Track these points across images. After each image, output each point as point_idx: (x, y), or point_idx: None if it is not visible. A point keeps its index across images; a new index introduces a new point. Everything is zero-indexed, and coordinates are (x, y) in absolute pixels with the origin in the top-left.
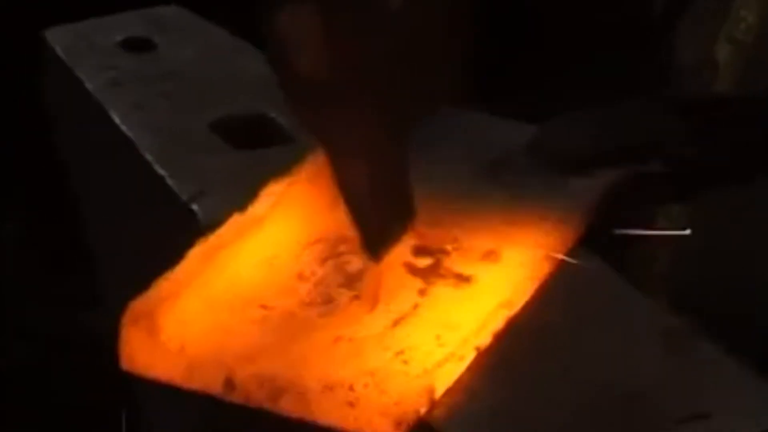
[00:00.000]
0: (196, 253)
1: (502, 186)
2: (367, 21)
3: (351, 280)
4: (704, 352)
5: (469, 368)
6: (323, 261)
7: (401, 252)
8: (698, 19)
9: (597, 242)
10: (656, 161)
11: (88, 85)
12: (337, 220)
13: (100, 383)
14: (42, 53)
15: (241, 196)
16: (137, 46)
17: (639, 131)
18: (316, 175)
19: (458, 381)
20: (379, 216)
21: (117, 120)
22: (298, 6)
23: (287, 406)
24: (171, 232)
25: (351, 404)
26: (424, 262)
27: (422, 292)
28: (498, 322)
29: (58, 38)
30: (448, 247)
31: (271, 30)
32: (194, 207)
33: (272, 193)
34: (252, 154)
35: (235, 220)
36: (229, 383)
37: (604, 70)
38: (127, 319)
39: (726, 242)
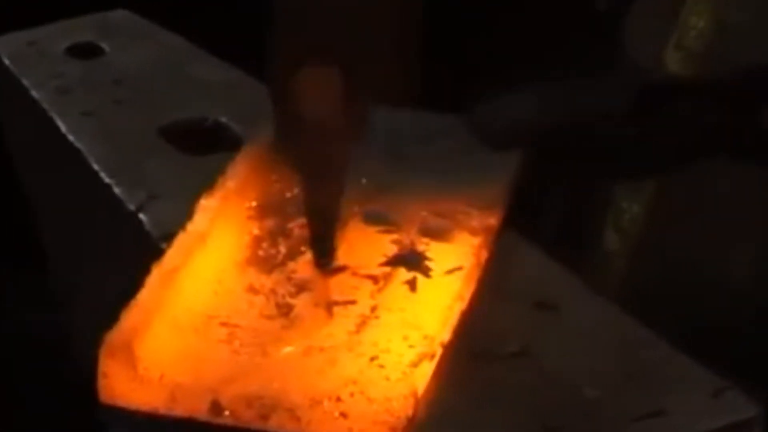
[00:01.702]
0: (154, 279)
1: (427, 173)
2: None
3: (301, 289)
4: (657, 350)
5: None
6: (269, 271)
7: (346, 251)
8: (648, 27)
9: (544, 237)
10: (594, 137)
11: (35, 94)
12: (272, 229)
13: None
14: None
15: (191, 203)
16: (85, 52)
17: (578, 108)
18: (244, 184)
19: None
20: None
21: (63, 129)
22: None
23: (278, 424)
24: (120, 240)
25: (343, 415)
26: (371, 265)
27: (375, 294)
28: (454, 317)
29: (5, 46)
30: (390, 244)
31: (285, 82)
32: (141, 216)
33: (208, 208)
34: (202, 159)
35: (181, 240)
36: (216, 406)
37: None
38: (103, 353)
39: (683, 242)
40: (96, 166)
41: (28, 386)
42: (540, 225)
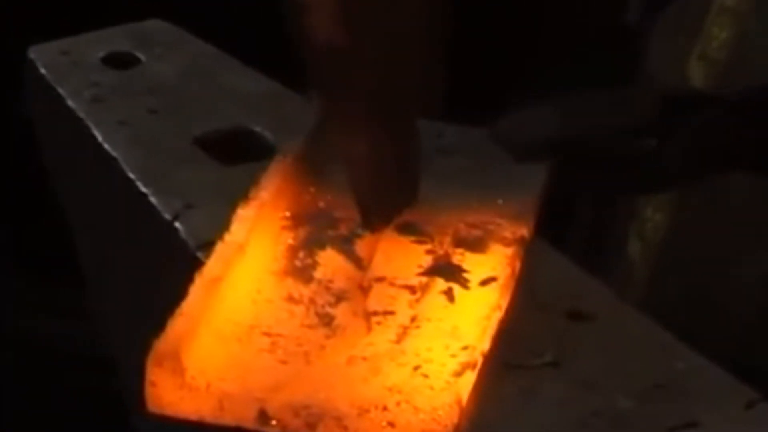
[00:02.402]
0: (198, 288)
1: (456, 185)
2: None
3: (339, 298)
4: (690, 361)
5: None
6: (307, 281)
7: (383, 261)
8: (671, 36)
9: (573, 248)
10: (616, 150)
11: (71, 103)
12: (307, 238)
13: (84, 392)
14: (26, 71)
15: (226, 212)
16: (121, 61)
17: (600, 120)
18: (278, 194)
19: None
20: (379, 188)
21: (100, 137)
22: None
23: None
24: (155, 249)
25: (391, 424)
26: (408, 275)
27: (414, 304)
28: (493, 326)
29: (41, 55)
30: (426, 255)
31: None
32: (177, 225)
33: (246, 218)
34: (237, 168)
35: (221, 250)
36: (264, 415)
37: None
38: (151, 361)
39: (706, 250)
40: (132, 175)
41: (56, 396)
42: (567, 235)
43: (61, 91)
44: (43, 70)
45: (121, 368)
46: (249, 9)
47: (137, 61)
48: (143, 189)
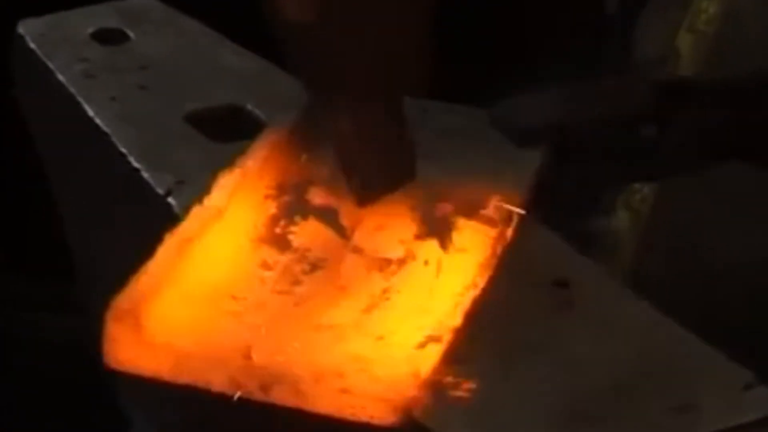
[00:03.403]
0: (167, 247)
1: (447, 164)
2: None
3: (315, 267)
4: (687, 343)
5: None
6: (284, 249)
7: (362, 234)
8: (661, 10)
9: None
10: (613, 137)
11: (61, 77)
12: (289, 208)
13: (74, 384)
14: (15, 45)
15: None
16: (110, 38)
17: (599, 107)
18: (264, 164)
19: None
20: (367, 161)
21: (91, 112)
22: None
23: (280, 396)
24: (148, 224)
25: (345, 391)
26: (386, 248)
27: (389, 276)
28: (466, 303)
29: (31, 30)
30: (407, 230)
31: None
32: (170, 200)
33: (227, 185)
34: (228, 146)
35: (197, 213)
36: (220, 375)
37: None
38: (110, 317)
39: (693, 221)
40: (124, 150)
41: (48, 391)
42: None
43: (50, 65)
44: (32, 45)
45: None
46: None
47: (126, 37)
48: (136, 164)
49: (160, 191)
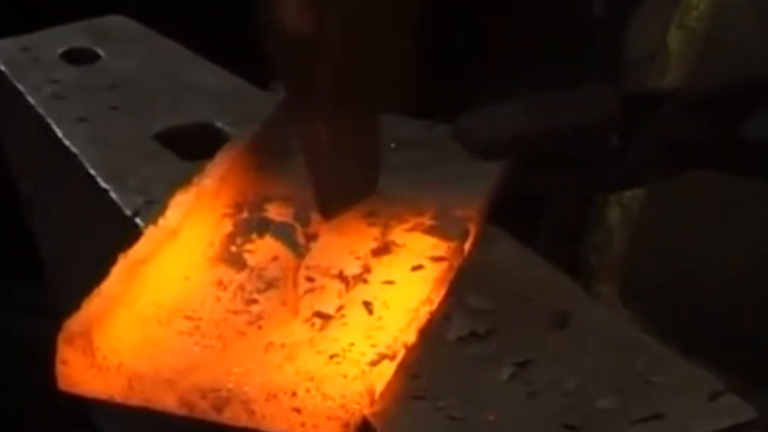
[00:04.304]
0: (119, 269)
1: (407, 178)
2: None
3: (270, 286)
4: (655, 351)
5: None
6: (240, 268)
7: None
8: (652, 7)
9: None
10: (579, 148)
11: (31, 99)
12: (246, 227)
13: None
14: None
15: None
16: (80, 57)
17: (563, 118)
18: (221, 182)
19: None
20: (337, 176)
21: (60, 133)
22: None
23: (232, 416)
24: (116, 245)
25: (297, 410)
26: (341, 265)
27: (343, 293)
28: (421, 319)
29: (0, 52)
30: (363, 246)
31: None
32: (138, 221)
33: (182, 203)
34: (199, 164)
35: (151, 233)
36: (171, 396)
37: (548, 74)
38: (62, 339)
39: (683, 218)
40: (92, 171)
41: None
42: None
43: (21, 87)
44: (2, 67)
45: None
46: (210, 4)
47: (97, 57)
48: (104, 185)
49: (128, 212)
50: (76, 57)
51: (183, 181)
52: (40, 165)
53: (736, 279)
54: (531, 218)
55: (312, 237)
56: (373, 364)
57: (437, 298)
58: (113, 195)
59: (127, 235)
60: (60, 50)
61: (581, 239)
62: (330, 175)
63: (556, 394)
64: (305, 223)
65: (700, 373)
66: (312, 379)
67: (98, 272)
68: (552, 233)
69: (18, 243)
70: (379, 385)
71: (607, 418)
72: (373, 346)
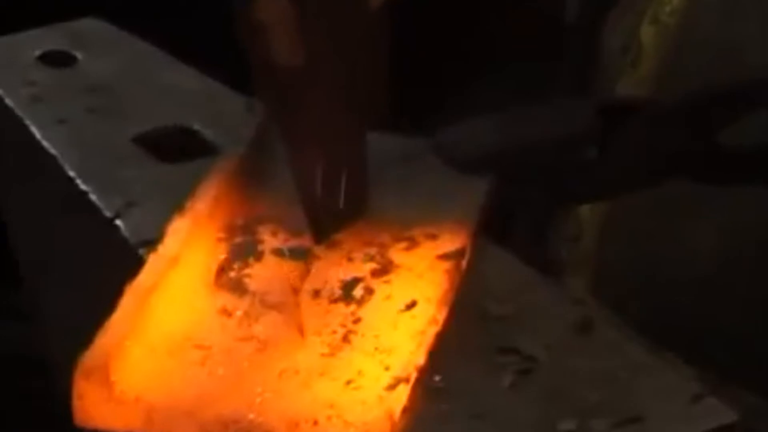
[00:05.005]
0: (128, 300)
1: (397, 196)
2: (339, 13)
3: (273, 310)
4: (636, 355)
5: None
6: (242, 293)
7: (318, 274)
8: (626, 3)
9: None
10: (555, 160)
11: (9, 101)
12: (243, 251)
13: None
14: None
15: (167, 210)
16: (57, 60)
17: (539, 131)
18: (214, 206)
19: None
20: (329, 201)
21: (38, 135)
22: None
23: None
24: (96, 247)
25: None
26: (342, 288)
27: (348, 317)
28: (429, 340)
29: None
30: (363, 267)
31: (246, 15)
32: (118, 223)
33: (179, 230)
34: (177, 167)
35: (153, 262)
36: (193, 429)
37: (520, 77)
38: (78, 375)
39: (650, 223)
40: (72, 173)
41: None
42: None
43: None
44: None
45: (58, 369)
46: (186, 6)
47: (74, 59)
48: (83, 187)
49: (108, 214)
50: (54, 60)
51: (162, 183)
52: (18, 167)
53: (707, 272)
54: (501, 220)
55: (311, 258)
56: (390, 388)
57: (442, 317)
58: (92, 197)
59: (107, 237)
60: (37, 53)
61: (551, 233)
62: (321, 199)
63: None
64: (302, 243)
65: (680, 376)
66: (332, 406)
67: (80, 275)
68: (523, 235)
69: None
70: (398, 410)
71: (585, 419)
72: (386, 369)
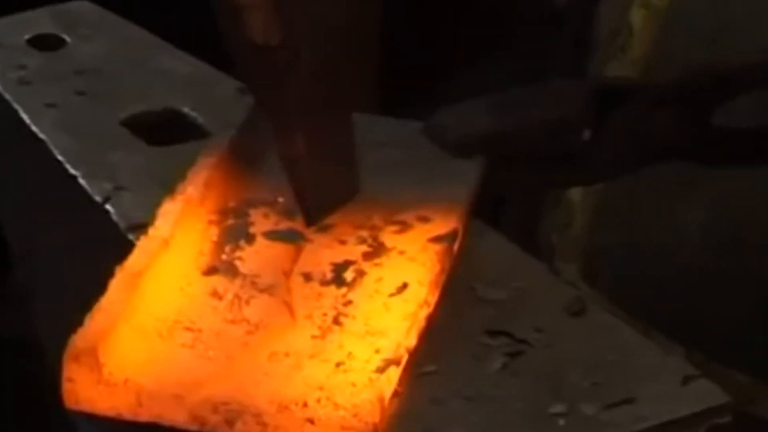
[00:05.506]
0: (118, 282)
1: (390, 179)
2: None
3: (264, 293)
4: (627, 337)
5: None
6: (233, 276)
7: (310, 257)
8: None
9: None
10: (549, 143)
11: None
12: (235, 233)
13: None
14: None
15: (156, 194)
16: (46, 43)
17: (533, 113)
18: (205, 189)
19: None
20: (319, 181)
21: (27, 119)
22: None
23: (245, 429)
24: (86, 231)
25: (310, 421)
26: (336, 270)
27: (340, 299)
28: (421, 322)
29: None
30: (354, 250)
31: None
32: (108, 207)
33: (170, 213)
34: (166, 150)
35: (144, 244)
36: (182, 411)
37: (516, 61)
38: (67, 357)
39: (641, 208)
40: (61, 158)
41: None
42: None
43: None
44: None
45: (50, 352)
46: None
47: (63, 42)
48: (73, 171)
49: (98, 199)
50: (43, 43)
51: (152, 167)
52: (7, 151)
53: (696, 256)
54: (491, 205)
55: (302, 240)
56: (380, 371)
57: (433, 300)
58: (82, 181)
59: (97, 221)
60: (26, 36)
61: (542, 219)
62: (311, 181)
63: (529, 376)
64: (293, 226)
65: (672, 357)
66: (322, 388)
67: (70, 259)
68: (514, 221)
69: None
70: (388, 392)
71: (577, 401)
72: (377, 352)
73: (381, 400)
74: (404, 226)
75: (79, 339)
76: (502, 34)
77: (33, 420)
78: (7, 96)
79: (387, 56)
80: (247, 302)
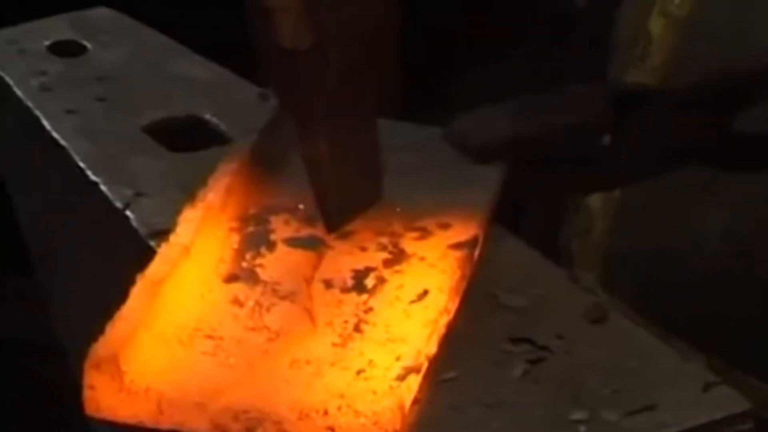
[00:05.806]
0: (139, 289)
1: (410, 185)
2: None
3: (286, 300)
4: (646, 343)
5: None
6: (254, 283)
7: (330, 264)
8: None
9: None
10: (569, 148)
11: (18, 91)
12: (255, 240)
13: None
14: None
15: (177, 200)
16: (67, 50)
17: (553, 119)
18: (226, 195)
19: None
20: (343, 187)
21: (48, 126)
22: None
23: None
24: (107, 237)
25: (330, 429)
26: (356, 278)
27: (360, 306)
28: (441, 329)
29: None
30: (375, 257)
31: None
32: (128, 213)
33: (191, 220)
34: (187, 156)
35: (165, 251)
36: (203, 419)
37: (531, 61)
38: (89, 365)
39: (660, 214)
40: (82, 164)
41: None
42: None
43: (8, 79)
44: None
45: (70, 356)
46: None
47: (84, 49)
48: (93, 178)
49: (119, 205)
50: (63, 49)
51: (173, 173)
52: (28, 157)
53: (715, 261)
54: (511, 212)
55: (323, 247)
56: (401, 378)
57: (454, 306)
58: (103, 188)
59: (117, 228)
60: (47, 42)
61: (561, 226)
62: (333, 185)
63: (550, 382)
64: (314, 233)
65: (692, 364)
66: (342, 396)
67: (90, 265)
68: (533, 228)
69: (4, 235)
70: (408, 400)
71: (598, 408)
72: (397, 359)
73: (401, 407)
74: (425, 233)
75: (101, 347)
76: (519, 34)
77: (34, 420)
78: (29, 102)
79: (402, 57)
80: (268, 309)
